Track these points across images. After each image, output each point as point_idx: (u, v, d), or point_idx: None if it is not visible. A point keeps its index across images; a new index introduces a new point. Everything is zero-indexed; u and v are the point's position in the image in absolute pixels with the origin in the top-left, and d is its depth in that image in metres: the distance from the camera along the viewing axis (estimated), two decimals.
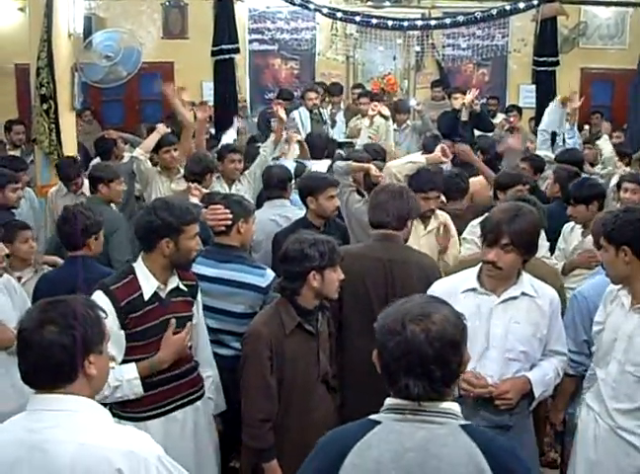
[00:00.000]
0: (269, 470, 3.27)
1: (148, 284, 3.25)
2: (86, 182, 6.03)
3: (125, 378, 3.12)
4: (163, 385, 3.27)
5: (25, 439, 2.01)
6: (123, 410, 3.23)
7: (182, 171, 6.14)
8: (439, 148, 5.10)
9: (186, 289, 3.39)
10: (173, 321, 3.24)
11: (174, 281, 3.34)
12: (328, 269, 3.31)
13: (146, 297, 3.23)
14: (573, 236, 5.06)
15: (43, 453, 1.99)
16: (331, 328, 3.55)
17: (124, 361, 3.17)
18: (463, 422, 1.98)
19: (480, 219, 4.60)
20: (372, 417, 2.01)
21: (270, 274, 3.79)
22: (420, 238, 4.74)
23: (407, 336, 1.91)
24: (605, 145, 7.26)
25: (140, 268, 3.28)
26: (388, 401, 2.00)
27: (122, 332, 3.16)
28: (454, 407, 1.99)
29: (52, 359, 2.03)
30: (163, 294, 3.29)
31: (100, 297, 3.11)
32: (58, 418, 2.03)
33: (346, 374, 3.69)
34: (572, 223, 5.13)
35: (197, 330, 3.51)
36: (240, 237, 3.89)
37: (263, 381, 3.25)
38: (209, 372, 3.57)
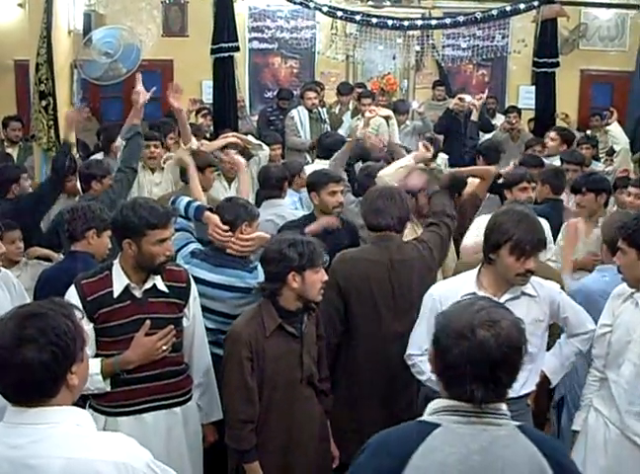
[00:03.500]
0: (250, 471, 3.26)
1: (118, 282, 3.23)
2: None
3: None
4: (132, 384, 3.23)
5: (7, 456, 1.94)
6: (97, 403, 3.24)
7: (164, 167, 6.17)
8: (420, 145, 5.05)
9: (167, 291, 3.32)
10: (147, 322, 3.20)
11: (151, 281, 3.29)
12: (308, 270, 3.27)
13: (115, 294, 3.21)
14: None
15: (30, 470, 1.92)
16: (320, 330, 3.52)
17: (95, 355, 3.15)
18: (516, 422, 2.01)
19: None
20: (427, 419, 2.00)
21: (261, 270, 3.76)
22: None
23: (476, 341, 1.92)
24: (618, 131, 7.12)
25: (116, 265, 3.28)
26: (442, 402, 2.00)
27: (91, 325, 3.14)
28: (505, 407, 2.01)
29: (34, 378, 1.94)
30: (138, 293, 3.26)
31: (71, 291, 3.19)
32: (41, 431, 1.96)
33: (354, 376, 3.69)
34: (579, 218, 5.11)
35: (189, 334, 3.46)
36: None
37: (243, 383, 3.23)
38: (201, 380, 3.52)
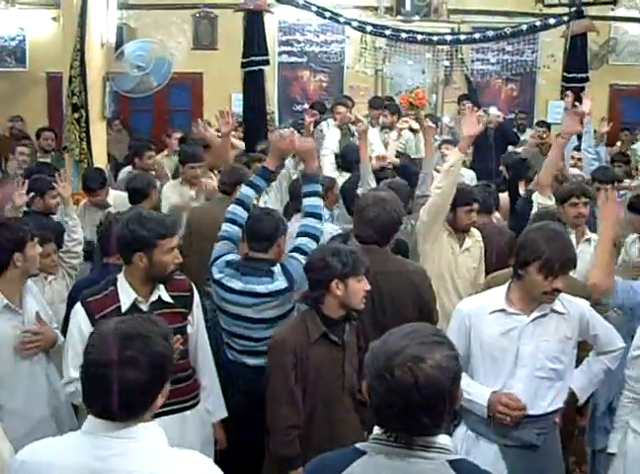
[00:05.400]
0: None
1: (126, 297, 3.25)
2: (113, 192, 6.10)
3: None
4: None
5: (90, 466, 1.95)
6: None
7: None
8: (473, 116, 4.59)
9: (172, 301, 3.35)
10: None
11: (156, 294, 3.31)
12: (351, 278, 3.30)
13: (124, 309, 3.22)
14: (634, 248, 4.97)
15: None
16: (360, 341, 3.52)
17: None
18: (452, 457, 1.90)
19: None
20: (359, 446, 1.95)
21: (278, 271, 3.76)
22: (457, 257, 4.74)
23: (394, 383, 1.82)
24: None
25: (121, 280, 3.29)
26: (376, 430, 1.94)
27: None
28: (444, 440, 1.91)
29: (131, 399, 1.97)
30: (144, 307, 3.27)
31: (78, 310, 3.20)
32: (125, 445, 1.97)
33: None
34: (635, 235, 5.04)
35: (194, 340, 3.52)
36: (278, 250, 3.91)
37: (288, 389, 3.26)
38: (206, 381, 3.59)
